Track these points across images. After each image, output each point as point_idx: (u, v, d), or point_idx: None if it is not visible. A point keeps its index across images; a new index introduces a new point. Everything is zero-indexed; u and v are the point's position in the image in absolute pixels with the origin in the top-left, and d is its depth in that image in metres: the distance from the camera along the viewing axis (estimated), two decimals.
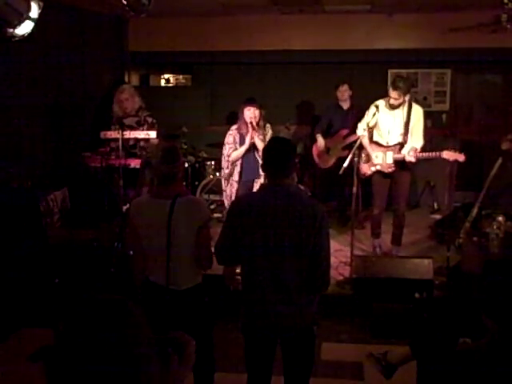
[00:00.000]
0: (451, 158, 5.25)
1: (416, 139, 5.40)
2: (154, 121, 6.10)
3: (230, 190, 5.31)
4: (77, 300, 1.45)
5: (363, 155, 5.59)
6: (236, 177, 5.26)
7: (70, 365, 1.37)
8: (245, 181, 5.27)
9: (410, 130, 5.40)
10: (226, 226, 2.87)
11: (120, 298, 1.45)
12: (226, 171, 5.30)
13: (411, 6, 6.94)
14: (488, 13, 6.83)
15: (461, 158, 5.21)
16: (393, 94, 5.27)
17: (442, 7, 7.01)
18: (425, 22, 7.40)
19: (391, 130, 5.47)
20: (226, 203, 5.39)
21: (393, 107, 5.36)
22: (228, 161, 5.26)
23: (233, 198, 5.19)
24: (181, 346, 1.81)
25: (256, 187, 5.19)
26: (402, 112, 5.40)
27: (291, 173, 2.87)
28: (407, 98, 5.37)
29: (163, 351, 1.70)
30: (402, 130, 5.42)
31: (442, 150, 5.27)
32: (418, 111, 5.43)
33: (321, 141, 6.89)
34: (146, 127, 6.01)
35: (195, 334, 3.13)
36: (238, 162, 5.24)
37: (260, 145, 5.04)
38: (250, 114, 5.07)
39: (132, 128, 5.94)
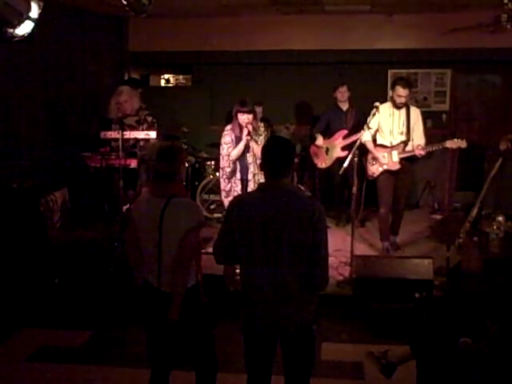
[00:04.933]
0: (454, 146, 5.41)
1: (418, 138, 5.55)
2: (154, 120, 6.11)
3: (234, 189, 5.27)
4: None
5: (369, 158, 5.70)
6: (238, 175, 5.26)
7: None
8: (242, 179, 5.31)
9: (411, 128, 5.54)
10: (224, 226, 2.87)
11: None
12: (228, 170, 5.27)
13: (411, 6, 6.94)
14: (488, 13, 6.83)
15: (463, 144, 5.36)
16: (404, 92, 5.39)
17: (441, 7, 7.01)
18: (425, 22, 7.40)
19: (393, 131, 5.59)
20: (226, 202, 5.37)
21: (399, 107, 5.50)
22: (229, 160, 5.24)
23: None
24: None
25: (250, 186, 5.24)
26: (400, 112, 5.54)
27: (290, 172, 2.85)
28: None
29: None
30: (403, 129, 5.55)
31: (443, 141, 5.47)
32: (415, 111, 5.62)
33: (320, 140, 6.87)
34: (145, 126, 6.02)
35: (191, 335, 3.15)
36: (237, 161, 5.25)
37: (254, 146, 5.08)
38: (245, 119, 5.08)
39: (132, 127, 5.95)
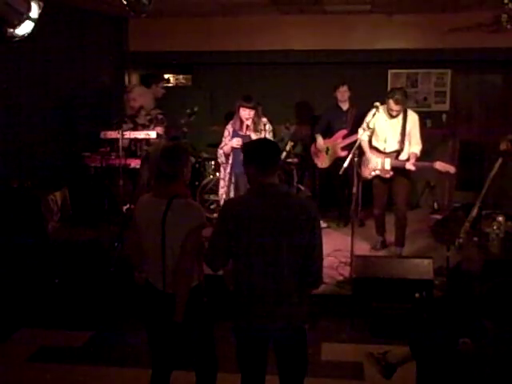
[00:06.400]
0: (443, 170, 5.37)
1: (414, 144, 5.51)
2: (164, 118, 6.22)
3: (224, 180, 5.58)
4: None
5: (364, 159, 5.70)
6: (228, 169, 5.54)
7: None
8: (237, 172, 5.48)
9: (406, 136, 5.51)
10: (217, 230, 2.81)
11: None
12: (220, 159, 5.62)
13: (411, 6, 6.94)
14: (488, 13, 6.83)
15: (451, 169, 5.34)
16: (395, 107, 5.36)
17: (441, 7, 7.01)
18: (425, 22, 7.39)
19: (388, 138, 5.58)
20: (222, 191, 5.62)
21: (392, 116, 5.48)
22: (222, 153, 5.55)
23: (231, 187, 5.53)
24: None
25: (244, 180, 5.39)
26: (397, 120, 5.50)
27: (276, 172, 2.84)
28: None
29: None
30: (398, 138, 5.52)
31: (435, 160, 5.40)
32: (413, 118, 5.55)
33: (320, 140, 6.90)
34: (155, 124, 6.12)
35: (193, 335, 3.15)
36: (231, 155, 5.48)
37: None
38: (245, 114, 5.31)
39: (144, 126, 6.03)
